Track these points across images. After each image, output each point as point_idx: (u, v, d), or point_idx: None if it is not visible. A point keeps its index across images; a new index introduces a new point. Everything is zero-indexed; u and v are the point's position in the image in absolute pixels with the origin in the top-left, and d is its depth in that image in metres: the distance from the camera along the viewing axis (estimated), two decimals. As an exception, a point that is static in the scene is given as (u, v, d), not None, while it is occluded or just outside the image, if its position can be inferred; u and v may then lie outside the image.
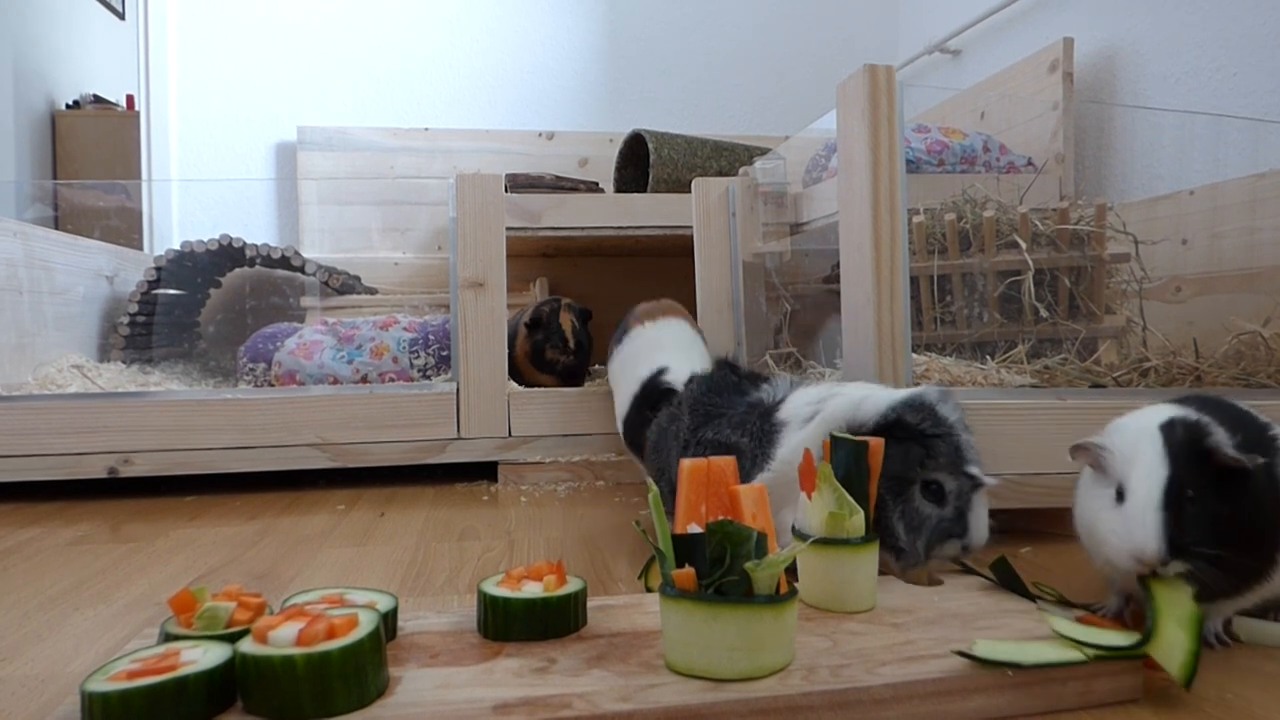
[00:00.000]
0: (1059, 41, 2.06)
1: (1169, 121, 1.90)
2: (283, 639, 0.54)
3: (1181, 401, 0.78)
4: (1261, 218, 1.58)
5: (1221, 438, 0.69)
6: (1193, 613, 0.64)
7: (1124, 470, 0.70)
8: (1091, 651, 0.62)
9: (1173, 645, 0.62)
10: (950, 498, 0.81)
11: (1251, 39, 1.71)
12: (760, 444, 0.95)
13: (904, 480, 0.82)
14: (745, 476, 0.93)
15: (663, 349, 1.46)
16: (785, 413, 0.95)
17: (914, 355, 1.26)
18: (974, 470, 0.82)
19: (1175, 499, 0.66)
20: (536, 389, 1.72)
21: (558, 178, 2.42)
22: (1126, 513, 0.68)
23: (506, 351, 1.66)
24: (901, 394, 0.86)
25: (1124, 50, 2.03)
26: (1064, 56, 2.05)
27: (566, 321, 1.81)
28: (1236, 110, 1.73)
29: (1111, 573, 0.75)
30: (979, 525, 0.82)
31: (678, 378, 1.36)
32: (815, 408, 0.91)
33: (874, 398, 0.87)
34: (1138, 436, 0.70)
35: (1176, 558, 0.65)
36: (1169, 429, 0.70)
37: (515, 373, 1.85)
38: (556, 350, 1.79)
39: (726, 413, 1.03)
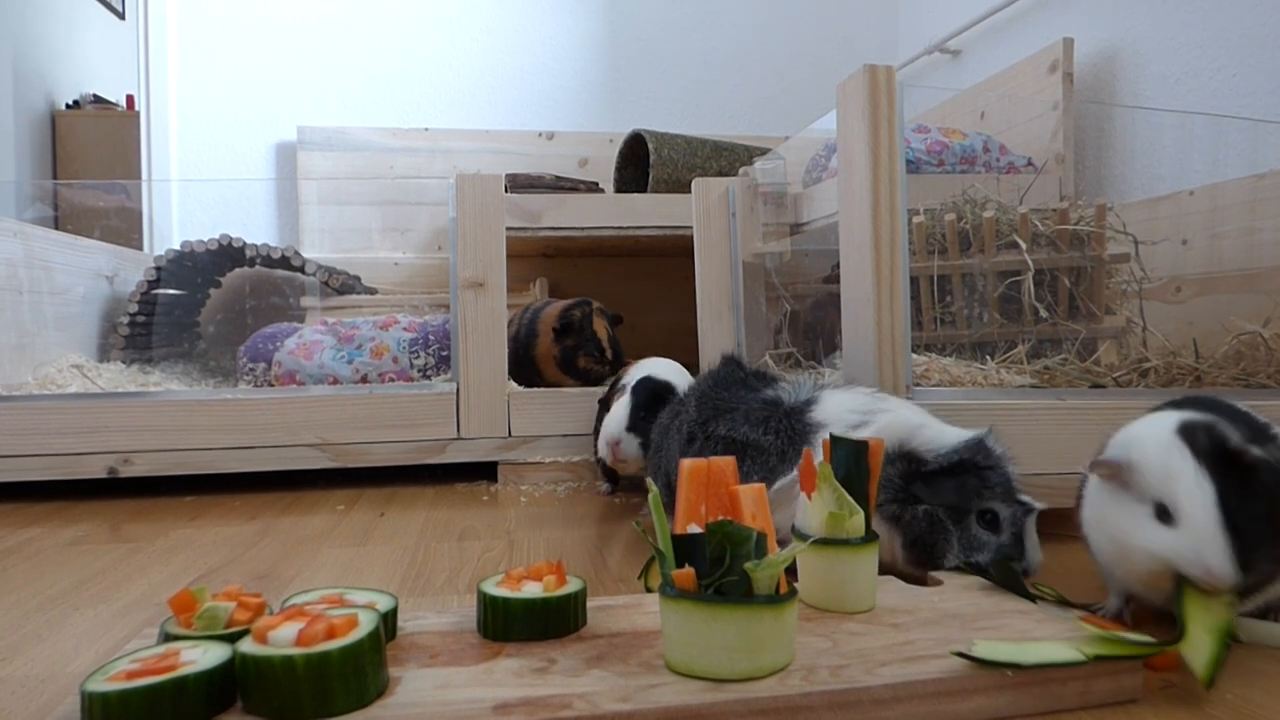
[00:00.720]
0: (1059, 42, 2.06)
1: (1169, 122, 1.90)
2: (282, 639, 0.54)
3: (1179, 404, 0.78)
4: (1261, 218, 1.58)
5: (1236, 436, 0.69)
6: (1224, 621, 0.65)
7: (1163, 488, 0.69)
8: (1115, 651, 0.62)
9: (1198, 646, 0.63)
10: (1005, 525, 0.86)
11: (1251, 39, 1.71)
12: (791, 443, 0.95)
13: (961, 510, 0.86)
14: (770, 474, 0.94)
15: (653, 366, 1.48)
16: (822, 415, 0.95)
17: (914, 355, 1.26)
18: (1026, 498, 0.87)
19: (1229, 515, 0.66)
20: (536, 389, 1.72)
21: (558, 178, 2.42)
22: (1190, 535, 0.66)
23: (506, 352, 1.66)
24: (964, 436, 0.89)
25: (1124, 50, 2.03)
26: (1064, 57, 2.05)
27: (601, 329, 1.78)
28: (1236, 111, 1.73)
29: (1136, 584, 0.74)
30: (1034, 548, 0.86)
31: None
32: (862, 418, 0.92)
33: (929, 430, 0.90)
34: (1164, 450, 0.69)
35: (1250, 566, 0.66)
36: (1190, 436, 0.69)
37: (530, 373, 1.84)
38: (591, 359, 1.76)
39: (738, 408, 1.03)
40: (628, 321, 2.02)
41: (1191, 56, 1.84)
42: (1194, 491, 0.67)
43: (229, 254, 2.29)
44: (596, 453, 1.48)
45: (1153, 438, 0.71)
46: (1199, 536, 0.66)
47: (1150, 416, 0.76)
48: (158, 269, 2.20)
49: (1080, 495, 0.81)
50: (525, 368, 1.82)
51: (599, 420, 1.53)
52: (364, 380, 1.79)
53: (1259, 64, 1.70)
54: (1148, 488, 0.70)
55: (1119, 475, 0.72)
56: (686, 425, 1.07)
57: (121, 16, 4.82)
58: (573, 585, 0.70)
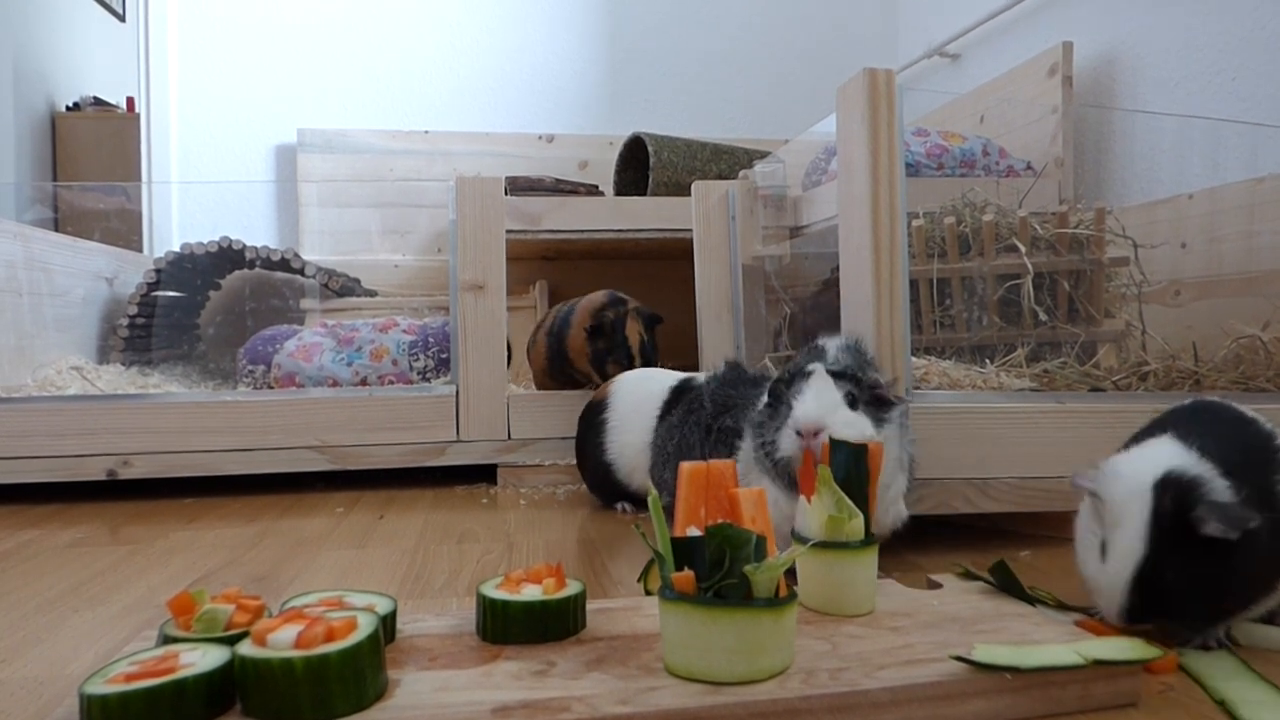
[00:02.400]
0: (1058, 45, 2.06)
1: (1168, 126, 1.90)
2: (282, 641, 0.54)
3: (1186, 420, 0.77)
4: (1260, 222, 1.58)
5: (1218, 493, 0.68)
6: (1237, 664, 0.69)
7: (1109, 530, 0.71)
8: (1115, 656, 0.63)
9: (1264, 705, 0.63)
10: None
11: (1250, 43, 1.71)
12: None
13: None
14: None
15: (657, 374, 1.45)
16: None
17: (913, 359, 1.26)
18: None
19: (1147, 576, 0.68)
20: (535, 392, 1.72)
21: (558, 180, 2.42)
22: (1106, 576, 0.71)
23: (505, 355, 1.66)
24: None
25: (1123, 54, 2.03)
26: (1063, 60, 2.05)
27: (634, 334, 1.67)
28: (1235, 114, 1.74)
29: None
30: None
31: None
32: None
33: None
34: (1128, 496, 0.70)
35: (1142, 621, 0.70)
36: (1159, 494, 0.69)
37: (563, 364, 1.78)
38: (620, 366, 1.65)
39: (741, 404, 1.10)
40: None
41: (1191, 60, 1.84)
42: (1123, 545, 0.69)
43: (229, 256, 2.29)
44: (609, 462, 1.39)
45: (1130, 480, 0.71)
46: (1108, 579, 0.71)
47: (1150, 447, 0.75)
48: (157, 271, 2.20)
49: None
50: (558, 360, 1.76)
51: (585, 437, 1.44)
52: (363, 383, 1.79)
53: (1258, 68, 1.70)
54: (1105, 521, 0.72)
55: (1091, 501, 0.75)
56: (704, 420, 1.15)
57: (122, 19, 4.82)
58: (572, 588, 0.70)
